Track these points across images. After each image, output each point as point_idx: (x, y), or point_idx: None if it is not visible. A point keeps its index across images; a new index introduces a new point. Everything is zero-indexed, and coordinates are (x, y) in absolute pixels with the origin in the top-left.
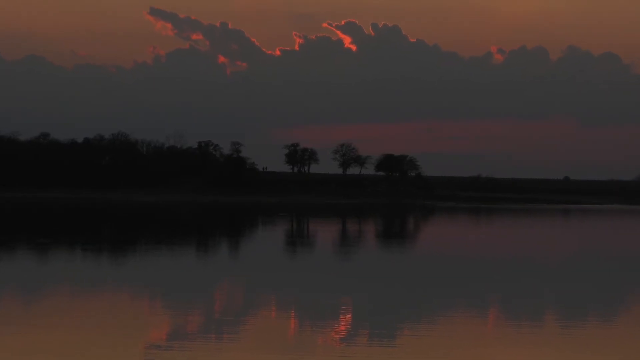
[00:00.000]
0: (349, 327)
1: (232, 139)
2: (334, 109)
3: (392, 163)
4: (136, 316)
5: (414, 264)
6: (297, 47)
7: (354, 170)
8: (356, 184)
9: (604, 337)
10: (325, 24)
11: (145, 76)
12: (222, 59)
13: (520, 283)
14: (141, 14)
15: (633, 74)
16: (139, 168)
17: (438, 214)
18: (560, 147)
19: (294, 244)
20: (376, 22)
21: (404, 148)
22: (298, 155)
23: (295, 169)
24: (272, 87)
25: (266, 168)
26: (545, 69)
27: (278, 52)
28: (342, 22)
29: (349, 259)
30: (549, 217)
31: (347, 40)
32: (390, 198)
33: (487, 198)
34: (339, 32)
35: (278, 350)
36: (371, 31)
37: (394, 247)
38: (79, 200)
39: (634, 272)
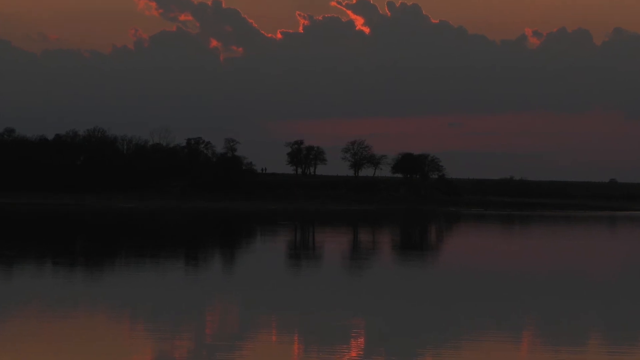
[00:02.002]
0: (362, 352)
1: (225, 136)
2: (344, 101)
3: (411, 163)
4: (115, 341)
5: (436, 280)
6: (301, 30)
7: (367, 171)
8: (370, 188)
9: None
10: (333, 3)
11: (125, 63)
12: (214, 43)
13: (559, 301)
14: None
15: None
16: (119, 169)
17: (464, 222)
18: (605, 144)
19: (297, 256)
20: (393, 1)
21: (425, 146)
22: (302, 155)
23: (299, 171)
24: (272, 76)
25: (265, 169)
26: (588, 54)
27: (279, 36)
28: (354, 0)
29: (362, 274)
30: (593, 226)
31: (359, 22)
32: (409, 204)
33: (521, 204)
34: (349, 12)
35: None
36: (387, 11)
37: (413, 260)
38: (49, 206)
39: None
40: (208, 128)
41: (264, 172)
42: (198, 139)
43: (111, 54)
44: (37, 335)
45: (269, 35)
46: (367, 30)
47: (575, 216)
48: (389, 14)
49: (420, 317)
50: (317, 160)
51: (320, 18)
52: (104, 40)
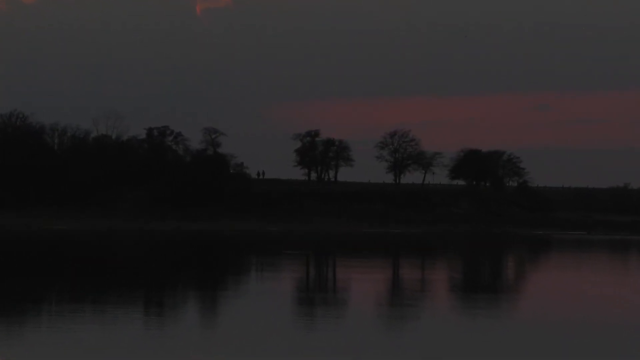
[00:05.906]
0: None
1: (204, 124)
2: (378, 75)
3: (478, 165)
4: None
5: (515, 336)
6: None
7: (413, 177)
8: (417, 201)
9: None
10: None
11: (55, 17)
12: None
13: None
14: None
15: None
16: (47, 173)
17: (558, 252)
18: None
19: (311, 303)
20: None
21: (498, 139)
22: (318, 152)
23: (314, 175)
24: (271, 38)
25: (263, 173)
26: None
27: None
28: None
29: (406, 327)
30: None
31: None
32: (475, 224)
33: None
34: None
35: None
36: None
37: (482, 308)
38: None
39: None
40: (178, 113)
41: (261, 177)
42: (164, 128)
43: (35, 4)
44: None
45: None
46: None
47: None
48: None
49: None
50: (339, 161)
51: None
52: None
